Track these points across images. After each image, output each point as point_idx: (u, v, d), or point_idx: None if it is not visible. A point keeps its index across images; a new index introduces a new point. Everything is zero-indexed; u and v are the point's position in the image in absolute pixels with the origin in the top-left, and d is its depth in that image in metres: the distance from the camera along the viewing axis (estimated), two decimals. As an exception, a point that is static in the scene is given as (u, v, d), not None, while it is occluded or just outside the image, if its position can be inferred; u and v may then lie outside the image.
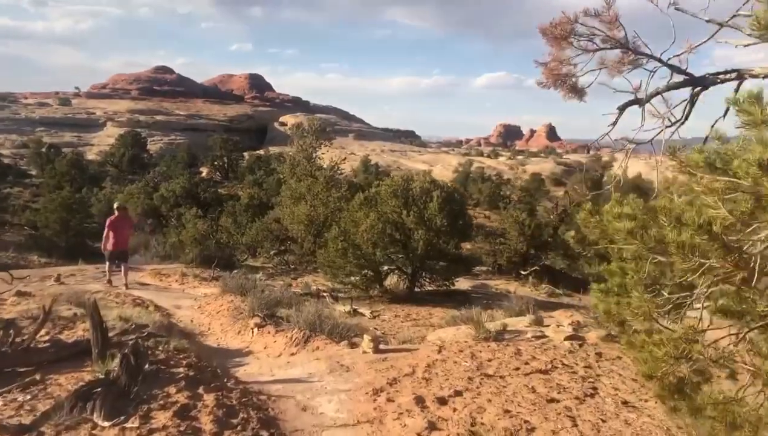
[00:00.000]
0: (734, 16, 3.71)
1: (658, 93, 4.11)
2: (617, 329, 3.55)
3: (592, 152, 58.09)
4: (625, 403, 5.85)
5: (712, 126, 3.53)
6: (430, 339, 8.96)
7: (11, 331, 6.81)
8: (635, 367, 6.85)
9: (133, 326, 8.03)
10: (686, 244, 2.55)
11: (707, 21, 3.81)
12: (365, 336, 8.46)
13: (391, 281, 18.36)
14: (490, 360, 7.25)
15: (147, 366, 6.00)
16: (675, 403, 3.13)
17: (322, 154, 37.54)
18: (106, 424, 4.79)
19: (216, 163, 71.69)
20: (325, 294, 15.84)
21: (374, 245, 16.74)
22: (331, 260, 17.20)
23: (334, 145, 49.76)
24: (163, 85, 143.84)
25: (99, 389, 5.22)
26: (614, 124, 4.31)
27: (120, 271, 14.02)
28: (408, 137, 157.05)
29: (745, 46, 3.51)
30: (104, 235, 13.95)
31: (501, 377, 6.63)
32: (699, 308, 3.07)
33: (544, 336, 8.54)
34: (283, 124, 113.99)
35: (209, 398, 5.53)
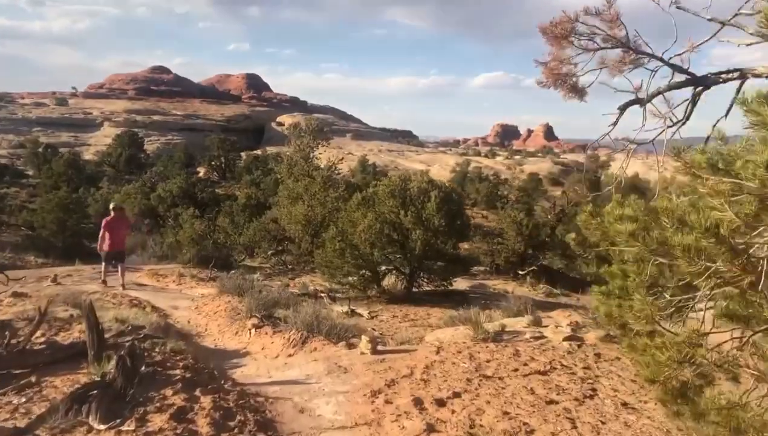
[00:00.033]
0: (736, 14, 3.68)
1: (659, 93, 4.07)
2: (618, 332, 3.51)
3: (590, 152, 58.02)
4: (624, 404, 5.82)
5: (714, 126, 3.50)
6: (428, 340, 8.93)
7: (6, 332, 6.77)
8: (635, 368, 6.84)
9: (130, 327, 7.99)
10: (692, 247, 2.51)
11: (709, 20, 3.78)
12: (363, 337, 8.42)
13: (388, 281, 18.32)
14: (488, 361, 7.22)
15: (143, 368, 5.95)
16: (678, 407, 3.09)
17: (320, 154, 37.49)
18: (102, 427, 4.75)
19: (213, 163, 71.60)
20: (322, 294, 15.79)
21: (372, 245, 16.70)
22: (329, 260, 17.16)
23: (332, 145, 49.69)
24: (160, 85, 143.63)
25: (95, 392, 5.18)
26: (615, 124, 4.28)
27: (117, 271, 13.98)
28: (405, 137, 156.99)
29: (748, 45, 3.48)
30: (100, 235, 13.93)
31: (500, 378, 6.60)
32: (701, 311, 3.03)
33: (542, 337, 8.52)
34: (281, 124, 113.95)
35: (206, 401, 5.49)
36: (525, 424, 5.26)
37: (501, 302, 13.43)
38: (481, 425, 5.25)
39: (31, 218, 33.27)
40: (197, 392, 5.69)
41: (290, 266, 23.45)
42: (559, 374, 6.73)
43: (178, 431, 4.79)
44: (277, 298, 11.43)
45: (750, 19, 3.45)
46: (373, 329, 11.21)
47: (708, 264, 2.54)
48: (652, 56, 4.06)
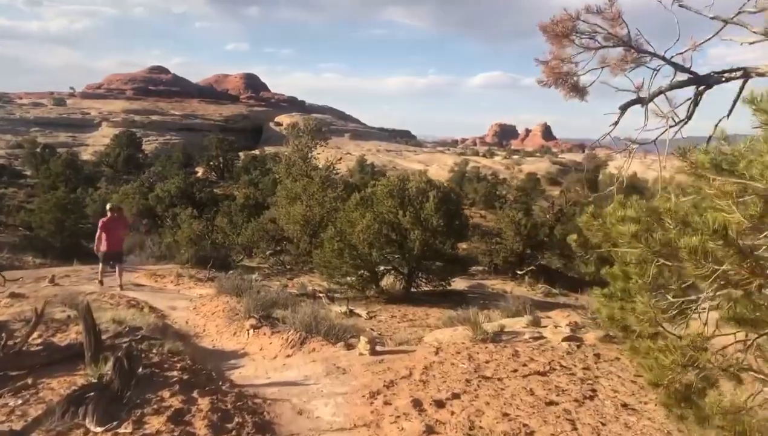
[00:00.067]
0: (739, 12, 3.64)
1: (661, 92, 4.04)
2: (621, 334, 3.47)
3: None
4: (624, 405, 5.79)
5: (716, 126, 3.46)
6: (427, 340, 8.90)
7: (3, 334, 6.73)
8: (634, 369, 6.81)
9: (127, 328, 7.95)
10: (699, 249, 2.47)
11: (712, 18, 3.74)
12: (362, 337, 8.38)
13: (387, 281, 18.28)
14: (487, 362, 7.19)
15: (140, 370, 5.92)
16: (682, 411, 3.06)
17: (318, 154, 37.45)
18: (99, 429, 4.71)
19: (211, 163, 71.51)
20: (321, 295, 15.75)
21: (370, 245, 16.66)
22: (327, 261, 17.11)
23: (330, 145, 49.65)
24: (158, 85, 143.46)
25: (92, 394, 5.14)
26: (616, 123, 4.24)
27: (114, 272, 13.94)
28: (404, 137, 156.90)
29: (751, 43, 3.44)
30: (97, 236, 13.93)
31: (499, 379, 6.57)
32: (704, 313, 3.00)
33: (541, 337, 8.49)
34: (279, 124, 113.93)
35: (204, 402, 5.46)
36: (525, 425, 5.23)
37: (499, 302, 13.40)
38: (480, 427, 5.22)
39: (29, 218, 33.18)
40: (195, 394, 5.65)
41: (288, 266, 23.40)
42: (558, 375, 6.71)
43: (176, 434, 4.76)
44: (276, 298, 11.39)
45: (753, 17, 3.43)
46: (372, 330, 11.17)
47: (715, 267, 2.50)
48: (654, 55, 4.03)
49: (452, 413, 5.56)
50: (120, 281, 13.64)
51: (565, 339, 8.16)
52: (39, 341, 7.25)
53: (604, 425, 5.28)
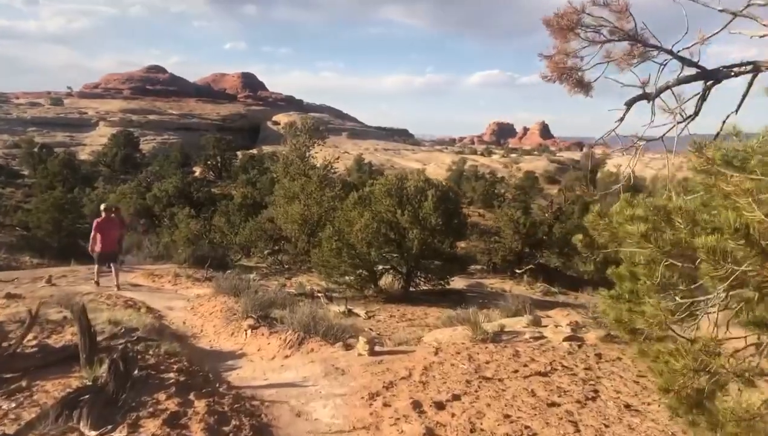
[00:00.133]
0: (749, 5, 3.56)
1: (668, 87, 3.95)
2: (628, 337, 3.38)
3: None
4: (627, 406, 5.72)
5: (724, 121, 3.38)
6: (426, 340, 8.82)
7: (-3, 336, 6.65)
8: (636, 370, 6.74)
9: (123, 329, 7.86)
10: (718, 249, 2.38)
11: (720, 10, 3.66)
12: (360, 338, 8.31)
13: (386, 280, 18.22)
14: (488, 362, 7.11)
15: (136, 372, 5.83)
16: (693, 417, 2.97)
17: (316, 153, 37.34)
18: (93, 433, 4.63)
19: (209, 162, 71.37)
20: (319, 294, 15.68)
21: (369, 244, 16.59)
22: (326, 260, 17.05)
23: (328, 143, 49.52)
24: (155, 84, 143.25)
25: (86, 397, 5.07)
26: (622, 119, 4.16)
27: (111, 272, 13.87)
28: (401, 136, 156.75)
29: (761, 36, 3.36)
30: (91, 236, 13.89)
31: (500, 379, 6.49)
32: (713, 314, 2.92)
33: (542, 337, 8.42)
34: (276, 123, 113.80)
35: (200, 405, 5.37)
36: (527, 427, 5.16)
37: (499, 301, 13.33)
38: (481, 429, 5.14)
39: (27, 218, 33.10)
40: (191, 396, 5.57)
41: (287, 266, 23.34)
42: (560, 376, 6.63)
43: (172, 437, 4.68)
44: (274, 298, 11.31)
45: (763, 9, 3.35)
46: (371, 329, 11.10)
47: (734, 267, 2.41)
48: (661, 49, 3.94)
49: (453, 414, 5.48)
50: (116, 282, 13.57)
51: (566, 339, 8.09)
52: (34, 342, 7.17)
53: (607, 426, 5.20)
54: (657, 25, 3.92)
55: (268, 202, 33.55)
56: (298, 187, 26.35)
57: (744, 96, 3.66)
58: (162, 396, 5.47)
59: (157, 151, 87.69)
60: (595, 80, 4.15)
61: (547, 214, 30.28)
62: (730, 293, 2.74)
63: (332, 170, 35.03)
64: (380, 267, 17.88)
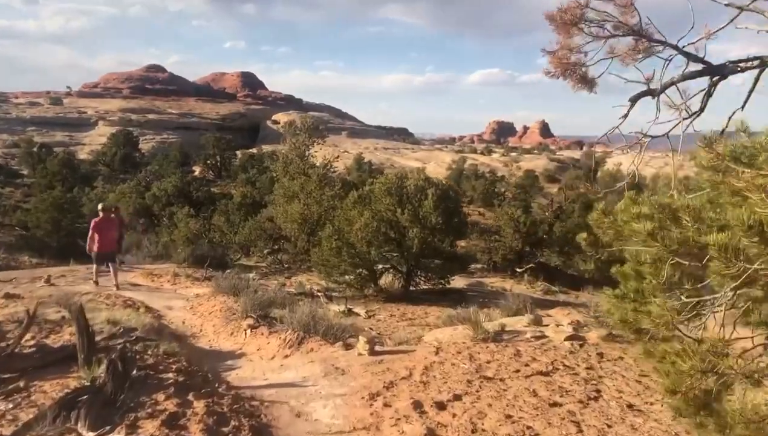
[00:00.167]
0: (755, -1, 3.51)
1: (673, 83, 3.90)
2: (633, 337, 3.32)
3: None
4: (630, 406, 5.67)
5: (730, 118, 3.33)
6: (426, 340, 8.78)
7: (-5, 336, 6.61)
8: (639, 369, 6.70)
9: (122, 329, 7.81)
10: (730, 246, 2.33)
11: (726, 5, 3.61)
12: (360, 337, 8.27)
13: (386, 279, 18.19)
14: (489, 362, 7.07)
15: (135, 372, 5.79)
16: (701, 419, 2.92)
17: (315, 152, 37.30)
18: (91, 434, 4.59)
19: (209, 161, 71.34)
20: (319, 294, 15.65)
21: (368, 243, 16.55)
22: (325, 259, 17.01)
23: (327, 142, 49.46)
24: (155, 83, 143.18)
25: (84, 397, 5.03)
26: (625, 116, 4.10)
27: (110, 272, 13.84)
28: (401, 135, 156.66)
29: (768, 31, 3.31)
30: (89, 236, 13.86)
31: (501, 379, 6.45)
32: (719, 314, 2.87)
33: (543, 336, 8.38)
34: (276, 122, 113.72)
35: (199, 405, 5.33)
36: (529, 428, 5.11)
37: (499, 300, 13.29)
38: (483, 430, 5.10)
39: (26, 217, 33.07)
40: (190, 397, 5.52)
41: (286, 265, 23.31)
42: (561, 375, 6.59)
43: (170, 439, 4.63)
44: (273, 297, 11.27)
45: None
46: (371, 329, 11.06)
47: (746, 266, 2.35)
48: (666, 44, 3.88)
49: (454, 415, 5.43)
50: (115, 281, 13.54)
51: (568, 338, 8.05)
52: (32, 342, 7.12)
53: (610, 427, 5.16)
54: (662, 19, 3.87)
55: (267, 201, 33.52)
56: (298, 187, 26.32)
57: (750, 92, 3.61)
58: (161, 396, 5.42)
59: (157, 150, 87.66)
60: (599, 76, 4.10)
61: (547, 213, 30.22)
62: (738, 292, 2.70)
63: (332, 169, 34.99)
64: (380, 266, 17.86)
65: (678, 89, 3.89)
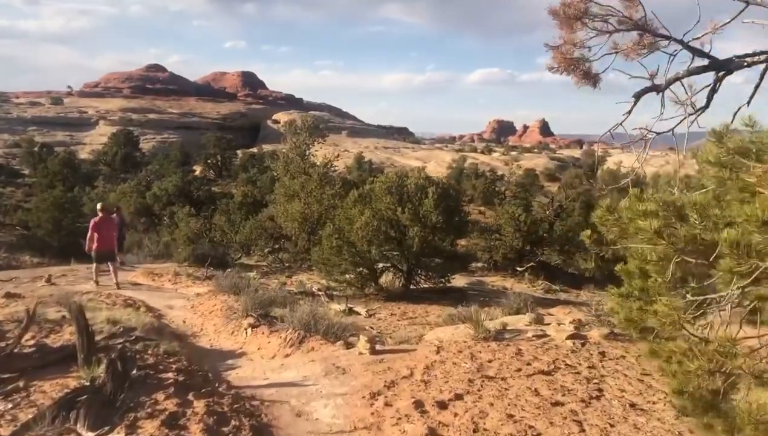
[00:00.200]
0: (763, -7, 3.46)
1: (678, 78, 3.85)
2: (638, 336, 3.27)
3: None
4: (632, 405, 5.64)
5: (735, 114, 3.29)
6: (428, 339, 8.74)
7: (-6, 336, 6.58)
8: (641, 368, 6.66)
9: (122, 329, 7.78)
10: (742, 243, 2.28)
11: (732, -1, 3.57)
12: (361, 336, 8.24)
13: (386, 278, 18.15)
14: (490, 361, 7.04)
15: (134, 372, 5.76)
16: (708, 420, 2.88)
17: (316, 151, 37.26)
18: (90, 435, 4.56)
19: (209, 161, 71.33)
20: (319, 293, 15.62)
21: (369, 242, 16.51)
22: (326, 258, 16.98)
23: (328, 142, 49.38)
24: (155, 83, 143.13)
25: (84, 397, 5.00)
26: (629, 112, 4.06)
27: (110, 271, 13.83)
28: (401, 134, 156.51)
29: (775, 25, 3.27)
30: (88, 236, 13.87)
31: (503, 378, 6.42)
32: (725, 312, 2.83)
33: (545, 335, 8.34)
34: (276, 121, 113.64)
35: (199, 405, 5.30)
36: (531, 427, 5.08)
37: (500, 299, 13.26)
38: (485, 429, 5.07)
39: (27, 217, 33.01)
40: (190, 397, 5.50)
41: (287, 264, 23.27)
42: (563, 374, 6.56)
43: (170, 439, 4.60)
44: (274, 296, 11.25)
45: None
46: (371, 328, 11.04)
47: (759, 263, 2.31)
48: (671, 39, 3.84)
49: (455, 414, 5.40)
50: (116, 280, 13.53)
51: (569, 337, 8.01)
52: (32, 342, 7.09)
53: (612, 426, 5.13)
54: (667, 14, 3.82)
55: (268, 200, 33.49)
56: (298, 186, 26.29)
57: (756, 87, 3.57)
58: (161, 396, 5.39)
59: (157, 150, 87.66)
60: (602, 72, 4.05)
61: (547, 212, 30.15)
62: (745, 290, 2.66)
63: (332, 168, 34.96)
64: (381, 265, 17.82)
65: (683, 85, 3.85)
